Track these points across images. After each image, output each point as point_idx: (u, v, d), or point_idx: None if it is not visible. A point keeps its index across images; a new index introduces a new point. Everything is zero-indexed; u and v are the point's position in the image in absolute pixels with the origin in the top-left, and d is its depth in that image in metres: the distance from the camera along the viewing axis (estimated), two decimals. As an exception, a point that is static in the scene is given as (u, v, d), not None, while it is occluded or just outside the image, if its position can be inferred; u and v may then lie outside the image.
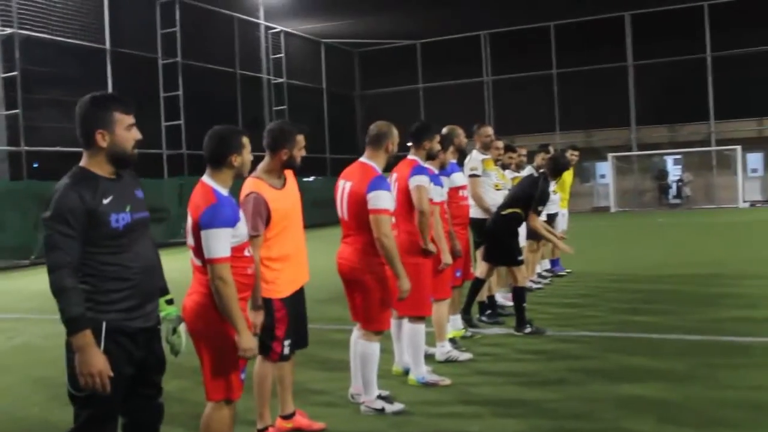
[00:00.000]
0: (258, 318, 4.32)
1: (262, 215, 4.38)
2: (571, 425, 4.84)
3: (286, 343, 4.58)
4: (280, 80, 30.69)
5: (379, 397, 5.24)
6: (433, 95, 34.38)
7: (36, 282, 14.89)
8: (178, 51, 25.12)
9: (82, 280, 3.21)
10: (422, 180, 5.88)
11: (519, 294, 7.70)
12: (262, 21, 29.78)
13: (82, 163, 3.33)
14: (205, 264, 3.73)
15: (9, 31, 19.80)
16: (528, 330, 7.53)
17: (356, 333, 5.38)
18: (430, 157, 6.24)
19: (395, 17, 31.05)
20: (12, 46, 19.84)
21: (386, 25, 32.21)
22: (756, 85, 28.92)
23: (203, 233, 3.68)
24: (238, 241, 3.81)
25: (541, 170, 9.87)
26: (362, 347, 5.24)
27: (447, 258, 6.21)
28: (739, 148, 29.34)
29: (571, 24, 31.22)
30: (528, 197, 7.71)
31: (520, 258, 7.77)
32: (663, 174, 33.52)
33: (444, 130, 6.92)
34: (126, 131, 3.33)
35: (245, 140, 3.96)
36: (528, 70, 32.74)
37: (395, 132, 5.41)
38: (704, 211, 28.19)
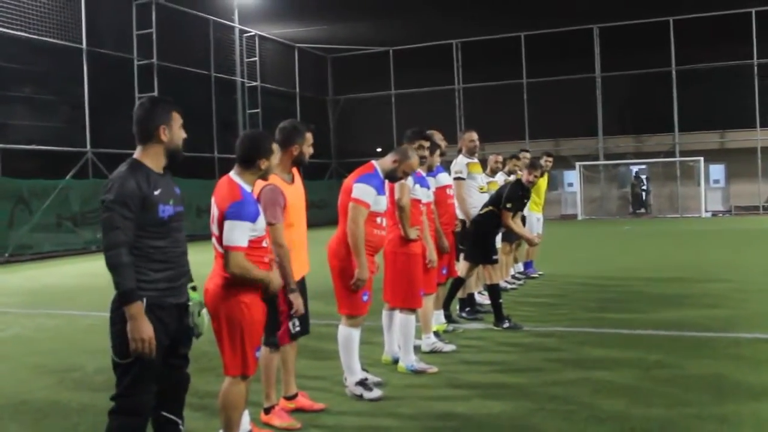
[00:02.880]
0: (297, 299, 4.77)
1: (281, 204, 4.75)
2: (551, 406, 5.26)
3: (292, 323, 4.94)
4: (254, 83, 30.93)
5: (360, 383, 5.60)
6: (405, 101, 34.86)
7: (15, 278, 15.03)
8: (153, 52, 25.25)
9: None
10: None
11: (494, 291, 8.13)
12: (236, 24, 29.98)
13: (136, 156, 3.75)
14: None
15: (-16, 28, 19.84)
16: (506, 325, 7.96)
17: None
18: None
19: (369, 24, 31.45)
20: (-14, 43, 19.88)
21: (360, 32, 32.60)
22: (719, 99, 29.87)
23: (227, 223, 4.06)
24: (257, 235, 4.19)
25: (512, 175, 10.44)
26: (340, 332, 5.67)
27: (432, 255, 6.61)
28: (701, 159, 30.25)
29: (541, 35, 31.93)
30: (500, 196, 8.18)
31: (495, 257, 8.20)
32: (639, 181, 33.87)
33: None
34: (179, 130, 3.83)
35: (275, 147, 4.38)
36: (499, 79, 33.39)
37: (408, 153, 5.83)
38: (668, 220, 29.01)
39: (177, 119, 3.82)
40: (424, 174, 6.81)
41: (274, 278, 4.28)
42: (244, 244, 4.08)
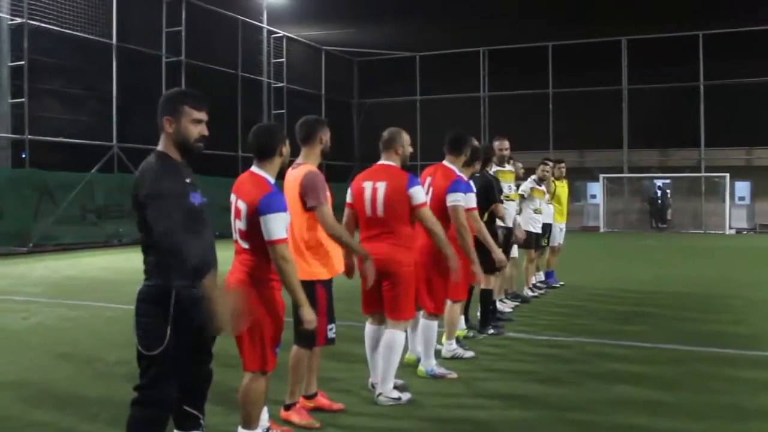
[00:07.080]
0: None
1: (324, 188, 4.84)
2: (571, 416, 5.23)
3: (330, 327, 4.96)
4: (280, 84, 31.05)
5: (395, 387, 5.57)
6: (429, 107, 34.82)
7: (38, 268, 15.19)
8: (182, 50, 25.46)
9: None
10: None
11: (485, 297, 8.05)
12: (265, 25, 30.14)
13: (160, 147, 3.74)
14: (254, 247, 4.14)
15: (19, 20, 20.09)
16: (490, 332, 7.95)
17: (371, 327, 5.72)
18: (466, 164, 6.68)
19: (396, 29, 31.47)
20: (21, 35, 20.11)
21: (387, 36, 32.64)
22: (746, 115, 29.55)
23: (263, 218, 4.07)
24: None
25: (543, 182, 10.60)
26: (390, 336, 5.48)
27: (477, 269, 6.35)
28: (727, 175, 29.95)
29: (569, 45, 31.80)
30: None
31: (496, 268, 7.92)
32: (660, 194, 33.33)
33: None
34: (191, 124, 3.70)
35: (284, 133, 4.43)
36: (525, 88, 33.27)
37: (405, 137, 5.86)
38: (691, 235, 28.73)
39: (188, 113, 3.67)
40: (467, 178, 6.76)
41: (307, 310, 4.24)
42: (285, 234, 4.13)
